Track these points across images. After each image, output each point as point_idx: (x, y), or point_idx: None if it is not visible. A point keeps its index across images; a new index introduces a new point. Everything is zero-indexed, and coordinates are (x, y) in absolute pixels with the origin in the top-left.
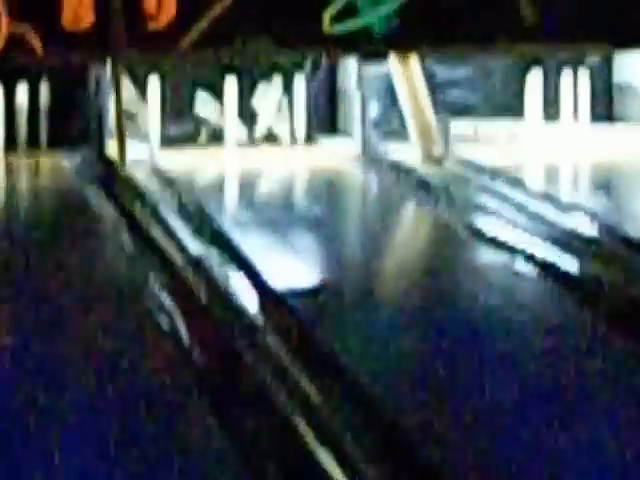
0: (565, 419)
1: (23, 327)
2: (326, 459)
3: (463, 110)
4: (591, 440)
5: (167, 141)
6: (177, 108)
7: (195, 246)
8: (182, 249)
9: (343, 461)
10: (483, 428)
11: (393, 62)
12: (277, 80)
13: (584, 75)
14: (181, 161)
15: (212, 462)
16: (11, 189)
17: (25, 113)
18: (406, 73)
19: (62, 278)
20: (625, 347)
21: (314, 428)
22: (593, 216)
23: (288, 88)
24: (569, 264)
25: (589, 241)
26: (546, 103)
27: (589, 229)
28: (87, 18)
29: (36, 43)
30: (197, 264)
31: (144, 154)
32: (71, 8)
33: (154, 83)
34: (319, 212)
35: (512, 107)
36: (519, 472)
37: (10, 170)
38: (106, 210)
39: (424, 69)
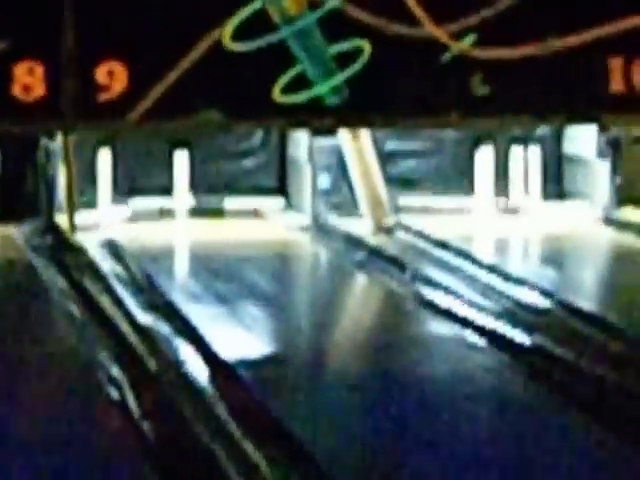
0: None
1: None
2: None
3: (414, 182)
4: None
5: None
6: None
7: (144, 318)
8: (131, 321)
9: None
10: None
11: (343, 134)
12: None
13: (534, 150)
14: (133, 233)
15: None
16: None
17: None
18: (356, 144)
19: (12, 347)
20: (576, 418)
21: None
22: (542, 289)
23: None
24: (518, 336)
25: (538, 312)
26: (496, 177)
27: (538, 301)
28: (37, 89)
29: None
30: (145, 334)
31: (95, 224)
32: (22, 78)
33: (105, 156)
34: (272, 281)
35: (462, 181)
36: None
37: None
38: (55, 281)
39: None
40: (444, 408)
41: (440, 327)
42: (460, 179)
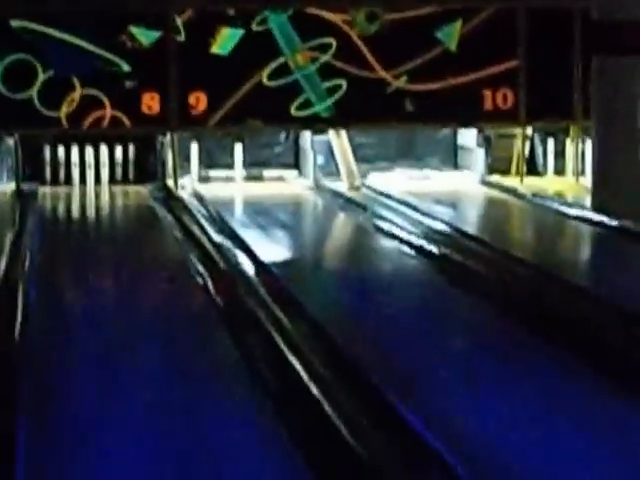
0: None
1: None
2: None
3: (372, 161)
4: None
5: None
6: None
7: (217, 237)
8: (209, 238)
9: None
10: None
11: (331, 133)
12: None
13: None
14: (210, 190)
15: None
16: (113, 203)
17: (121, 163)
18: (339, 139)
19: (139, 252)
20: (459, 293)
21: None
22: (447, 221)
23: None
24: (431, 247)
25: (443, 234)
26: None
27: (443, 228)
28: (155, 107)
29: (126, 122)
30: (217, 247)
31: (189, 185)
32: (147, 101)
33: (194, 146)
34: (290, 216)
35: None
36: None
37: (112, 194)
38: (166, 216)
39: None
40: (388, 287)
41: (386, 243)
42: (400, 159)
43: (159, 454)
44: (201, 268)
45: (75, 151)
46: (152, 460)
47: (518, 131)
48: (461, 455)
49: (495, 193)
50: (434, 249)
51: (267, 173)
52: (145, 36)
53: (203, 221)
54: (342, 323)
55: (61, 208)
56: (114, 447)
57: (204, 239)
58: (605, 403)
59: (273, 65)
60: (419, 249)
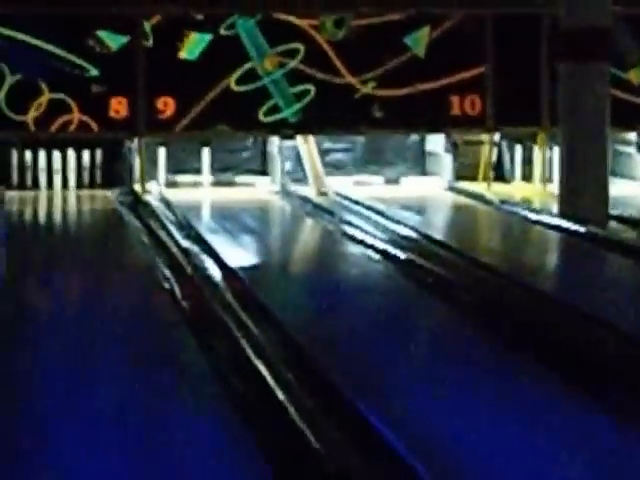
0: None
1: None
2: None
3: (339, 166)
4: None
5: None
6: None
7: (184, 242)
8: (176, 243)
9: None
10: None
11: (299, 138)
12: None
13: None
14: (177, 194)
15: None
16: (80, 208)
17: (88, 168)
18: (306, 144)
19: (106, 256)
20: (424, 296)
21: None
22: (411, 226)
23: None
24: (398, 253)
25: (408, 240)
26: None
27: (409, 233)
28: (123, 112)
29: (94, 126)
30: (184, 251)
31: (156, 190)
32: (115, 106)
33: (162, 151)
34: (257, 222)
35: (369, 166)
36: None
37: (79, 198)
38: (132, 221)
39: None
40: (354, 292)
41: (353, 248)
42: (369, 165)
43: (123, 461)
44: (168, 273)
45: (42, 155)
46: (115, 467)
47: (485, 137)
48: (422, 455)
49: (462, 199)
50: (401, 254)
51: (235, 178)
52: (113, 41)
53: (170, 226)
54: (308, 327)
55: (28, 212)
56: (75, 447)
57: (171, 244)
58: (565, 405)
59: (241, 70)
60: (386, 254)
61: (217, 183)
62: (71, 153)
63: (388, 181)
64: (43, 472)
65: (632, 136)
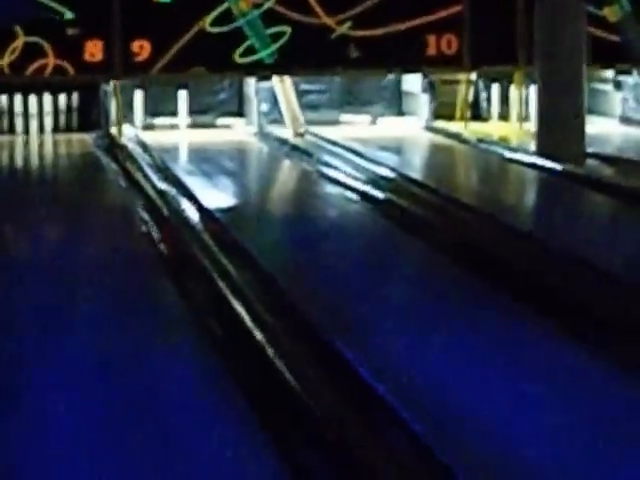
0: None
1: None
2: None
3: (316, 107)
4: None
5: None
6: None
7: (161, 184)
8: (153, 186)
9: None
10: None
11: (275, 79)
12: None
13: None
14: (154, 137)
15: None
16: (57, 152)
17: (65, 111)
18: (283, 85)
19: (83, 200)
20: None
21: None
22: (388, 166)
23: None
24: (376, 193)
25: (386, 179)
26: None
27: (386, 173)
28: (98, 55)
29: (70, 70)
30: (161, 194)
31: (132, 133)
32: (90, 49)
33: (138, 94)
34: (234, 163)
35: (344, 106)
36: None
37: (56, 142)
38: (110, 164)
39: (294, 84)
40: (332, 233)
41: (330, 189)
42: (343, 106)
43: (104, 403)
44: (145, 216)
45: (18, 100)
46: (97, 411)
47: (462, 76)
48: (404, 398)
49: (440, 139)
50: (379, 194)
51: (211, 120)
52: None
53: (147, 169)
54: (286, 269)
55: (4, 157)
56: (58, 396)
57: (148, 187)
58: (545, 343)
59: (216, 12)
60: (363, 195)
61: (194, 125)
62: (47, 97)
63: (365, 121)
64: (18, 415)
65: (609, 74)
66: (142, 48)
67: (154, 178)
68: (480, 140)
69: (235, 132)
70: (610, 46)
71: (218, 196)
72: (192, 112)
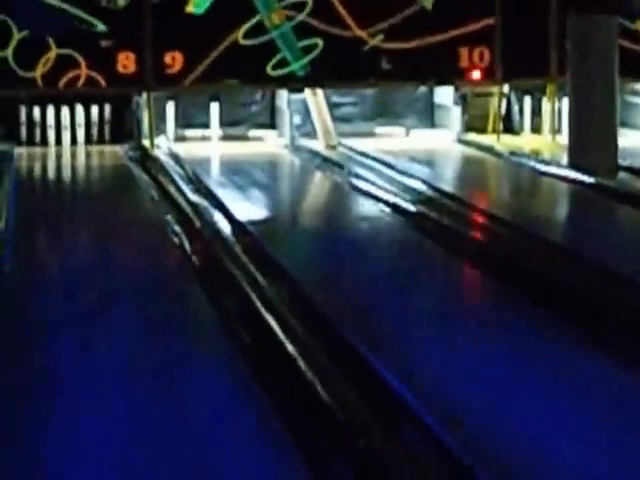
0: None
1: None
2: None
3: (348, 120)
4: None
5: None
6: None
7: (193, 196)
8: (185, 198)
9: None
10: None
11: (307, 92)
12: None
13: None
14: (186, 149)
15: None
16: (89, 164)
17: (97, 123)
18: (315, 98)
19: (116, 212)
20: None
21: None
22: (424, 180)
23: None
24: (409, 206)
25: (418, 193)
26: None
27: (419, 186)
28: (131, 67)
29: (102, 82)
30: (193, 206)
31: (165, 144)
32: (122, 61)
33: (170, 105)
34: (266, 176)
35: (377, 119)
36: None
37: (88, 154)
38: (142, 176)
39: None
40: (364, 246)
41: (362, 201)
42: (375, 118)
43: (133, 412)
44: (177, 228)
45: (51, 111)
46: (125, 418)
47: (495, 89)
48: (433, 407)
49: (472, 151)
50: (411, 207)
51: (243, 132)
52: None
53: (179, 181)
54: (318, 281)
55: (37, 169)
56: (88, 401)
57: (180, 199)
58: (584, 358)
59: (249, 24)
60: (395, 207)
61: (226, 137)
62: (80, 109)
63: (398, 134)
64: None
65: None
66: (174, 60)
67: (186, 190)
68: (512, 153)
69: (267, 144)
70: None
71: (250, 208)
72: (224, 124)
